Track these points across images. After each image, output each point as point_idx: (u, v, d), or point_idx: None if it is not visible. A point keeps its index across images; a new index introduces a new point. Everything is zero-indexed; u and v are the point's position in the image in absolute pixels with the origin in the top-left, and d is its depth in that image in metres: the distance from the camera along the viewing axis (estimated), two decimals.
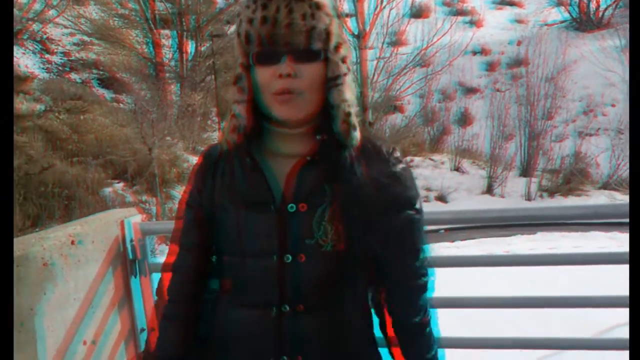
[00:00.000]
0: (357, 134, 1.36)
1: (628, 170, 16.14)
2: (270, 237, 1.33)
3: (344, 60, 1.35)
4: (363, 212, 1.34)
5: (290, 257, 1.33)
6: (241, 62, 1.34)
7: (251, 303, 1.37)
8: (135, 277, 2.40)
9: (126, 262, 2.39)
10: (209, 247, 1.46)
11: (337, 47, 1.33)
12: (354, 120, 1.36)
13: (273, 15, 1.26)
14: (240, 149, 1.37)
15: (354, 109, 1.36)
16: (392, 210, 1.37)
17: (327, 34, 1.31)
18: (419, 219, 1.41)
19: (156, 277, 2.45)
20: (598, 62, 19.44)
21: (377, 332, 1.49)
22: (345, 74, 1.35)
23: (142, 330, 2.40)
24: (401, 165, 1.41)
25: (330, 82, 1.33)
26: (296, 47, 1.28)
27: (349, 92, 1.35)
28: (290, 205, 1.33)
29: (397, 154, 1.43)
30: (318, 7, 1.29)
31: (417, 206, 1.41)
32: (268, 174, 1.36)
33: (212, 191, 1.41)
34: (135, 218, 2.45)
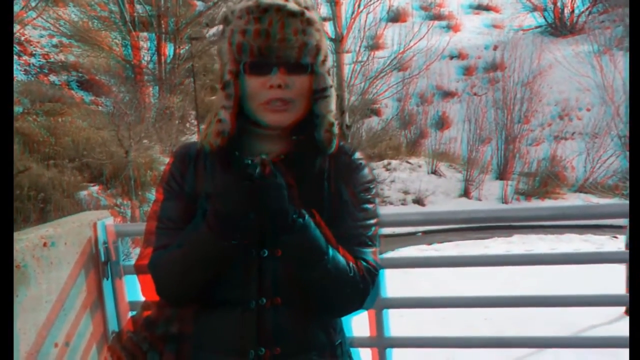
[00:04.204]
0: (335, 143, 1.43)
1: (602, 174, 16.44)
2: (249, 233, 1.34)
3: (328, 73, 1.42)
4: (325, 213, 1.38)
5: (266, 252, 1.37)
6: (230, 69, 1.37)
7: (229, 297, 1.38)
8: (108, 279, 2.38)
9: (99, 264, 2.37)
10: None
11: (324, 60, 1.40)
12: (336, 129, 1.42)
13: (267, 29, 1.31)
14: (223, 151, 1.40)
15: (336, 120, 1.43)
16: (351, 215, 1.42)
17: (317, 49, 1.37)
18: (376, 223, 1.46)
19: (129, 279, 2.43)
20: (572, 67, 19.70)
21: (347, 327, 1.52)
22: (330, 86, 1.41)
23: (114, 332, 2.37)
24: (366, 172, 1.47)
25: (317, 94, 1.40)
26: (288, 60, 1.33)
27: (334, 103, 1.42)
28: None
29: (362, 160, 1.48)
30: (309, 23, 1.35)
31: (378, 212, 1.47)
32: None
33: (194, 186, 1.43)
34: (108, 220, 2.44)
